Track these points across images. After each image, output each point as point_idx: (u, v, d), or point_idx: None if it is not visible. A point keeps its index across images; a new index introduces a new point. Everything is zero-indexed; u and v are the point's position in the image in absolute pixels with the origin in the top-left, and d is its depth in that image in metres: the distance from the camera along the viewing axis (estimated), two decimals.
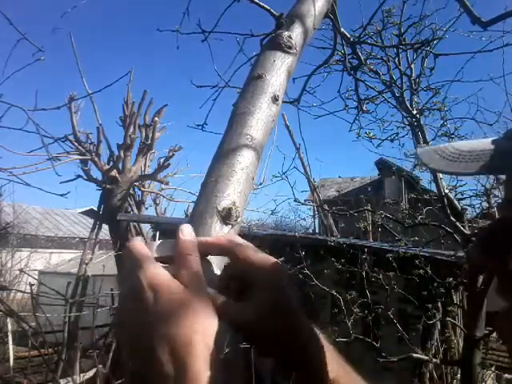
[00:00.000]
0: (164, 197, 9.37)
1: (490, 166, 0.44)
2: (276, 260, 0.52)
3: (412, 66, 3.15)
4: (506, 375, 3.74)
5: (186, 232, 0.52)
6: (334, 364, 0.53)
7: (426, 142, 2.99)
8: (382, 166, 11.98)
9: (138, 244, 0.50)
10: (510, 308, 0.43)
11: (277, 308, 0.49)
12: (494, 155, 0.44)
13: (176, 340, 0.42)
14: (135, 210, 8.03)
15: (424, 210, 3.77)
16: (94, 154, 7.44)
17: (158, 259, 0.49)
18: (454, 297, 3.94)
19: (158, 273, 0.47)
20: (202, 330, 0.44)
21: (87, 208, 20.41)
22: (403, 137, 3.46)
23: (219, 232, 0.67)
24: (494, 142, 0.46)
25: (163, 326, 0.43)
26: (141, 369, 0.44)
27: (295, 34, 1.01)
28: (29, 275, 4.82)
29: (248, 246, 0.53)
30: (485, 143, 0.46)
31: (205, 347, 0.43)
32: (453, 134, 3.24)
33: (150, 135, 7.85)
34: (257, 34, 1.65)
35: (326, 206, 5.88)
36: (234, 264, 0.53)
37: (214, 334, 0.44)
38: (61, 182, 6.90)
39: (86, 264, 7.10)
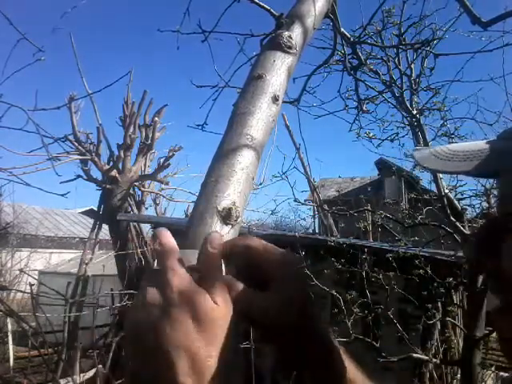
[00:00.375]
0: (164, 197, 9.37)
1: (485, 165, 0.44)
2: (296, 258, 0.53)
3: (412, 66, 3.15)
4: (502, 373, 3.73)
5: (216, 244, 0.51)
6: (349, 364, 0.54)
7: (425, 141, 2.99)
8: (382, 166, 11.97)
9: (168, 237, 0.50)
10: (503, 306, 0.43)
11: (300, 307, 0.50)
12: (488, 155, 0.45)
13: (194, 352, 0.42)
14: (135, 210, 8.02)
15: (424, 210, 3.77)
16: (94, 154, 7.44)
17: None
18: (454, 297, 3.94)
19: (187, 279, 0.46)
20: (219, 345, 0.44)
21: (87, 208, 20.41)
22: (403, 137, 3.47)
23: (219, 232, 0.68)
24: (488, 142, 0.47)
25: (183, 336, 0.43)
26: (142, 369, 0.43)
27: (295, 34, 1.01)
28: (29, 275, 4.82)
29: (268, 244, 0.53)
30: (479, 144, 0.47)
31: (219, 360, 0.44)
32: (453, 134, 3.24)
33: (150, 135, 7.85)
34: (257, 34, 1.65)
35: (325, 206, 5.88)
36: (248, 260, 0.53)
37: (229, 348, 0.45)
38: (61, 182, 6.91)
39: (86, 264, 7.10)
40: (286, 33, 0.99)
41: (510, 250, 0.41)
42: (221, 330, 0.45)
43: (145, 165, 8.09)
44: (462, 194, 3.36)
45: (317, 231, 8.68)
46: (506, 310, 0.43)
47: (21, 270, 5.49)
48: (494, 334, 3.04)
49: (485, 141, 0.48)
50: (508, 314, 0.42)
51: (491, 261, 0.43)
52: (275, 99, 0.88)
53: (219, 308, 0.45)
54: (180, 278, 0.46)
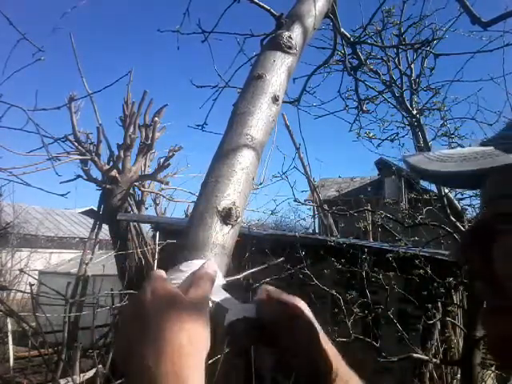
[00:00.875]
0: (164, 197, 9.36)
1: (476, 166, 0.43)
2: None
3: (412, 66, 3.15)
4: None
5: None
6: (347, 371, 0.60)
7: (426, 141, 2.99)
8: (382, 165, 11.95)
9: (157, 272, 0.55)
10: (494, 307, 0.42)
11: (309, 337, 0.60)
12: (478, 157, 0.44)
13: (167, 346, 0.44)
14: (135, 210, 8.02)
15: (424, 210, 3.77)
16: (94, 154, 7.44)
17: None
18: (454, 297, 3.94)
19: (165, 285, 0.51)
20: (194, 340, 0.46)
21: (87, 208, 20.39)
22: (403, 137, 3.47)
23: (219, 232, 0.68)
24: (481, 146, 0.47)
25: (157, 332, 0.45)
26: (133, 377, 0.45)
27: (295, 34, 1.01)
28: (29, 275, 4.81)
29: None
30: (473, 148, 0.46)
31: (194, 353, 0.46)
32: (453, 134, 3.24)
33: (150, 135, 7.84)
34: (257, 34, 1.65)
35: (325, 206, 5.88)
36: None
37: (204, 345, 0.48)
38: (61, 182, 6.90)
39: (86, 264, 7.10)
40: (286, 33, 0.99)
41: (501, 250, 0.40)
42: (192, 327, 0.47)
43: (145, 165, 8.08)
44: (462, 194, 3.36)
45: (317, 231, 8.67)
46: (497, 312, 0.41)
47: (21, 270, 5.48)
48: None
49: (478, 146, 0.47)
50: (500, 314, 0.41)
51: (481, 263, 0.42)
52: (275, 99, 0.88)
53: (190, 307, 0.49)
54: (157, 284, 0.50)
